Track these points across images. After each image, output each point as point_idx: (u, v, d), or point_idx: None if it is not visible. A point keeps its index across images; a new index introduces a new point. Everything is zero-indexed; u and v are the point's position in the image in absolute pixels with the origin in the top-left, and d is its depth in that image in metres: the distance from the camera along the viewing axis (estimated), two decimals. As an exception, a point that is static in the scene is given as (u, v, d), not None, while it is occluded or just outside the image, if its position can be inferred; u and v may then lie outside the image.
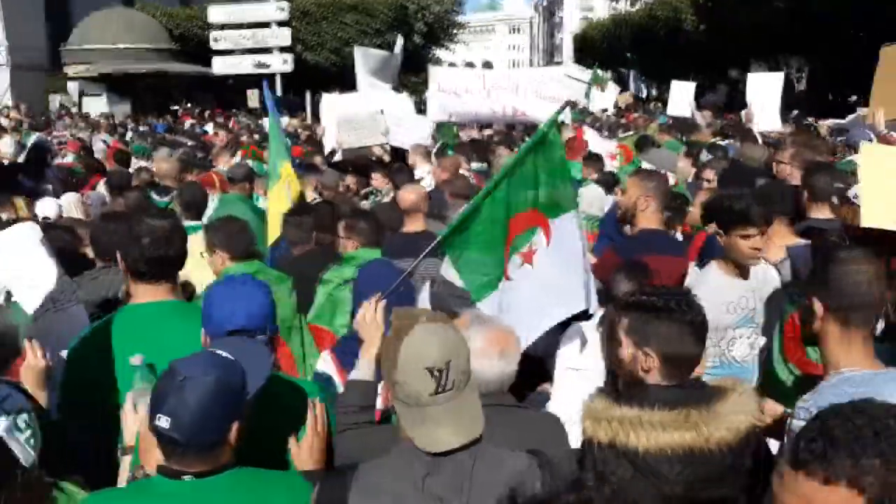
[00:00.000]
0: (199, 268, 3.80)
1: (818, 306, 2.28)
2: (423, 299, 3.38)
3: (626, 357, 2.33)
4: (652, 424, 2.11)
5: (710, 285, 3.39)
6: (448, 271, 3.15)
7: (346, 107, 10.17)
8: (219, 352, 1.99)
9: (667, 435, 2.10)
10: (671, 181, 6.48)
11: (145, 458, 2.07)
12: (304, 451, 2.30)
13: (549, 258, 3.14)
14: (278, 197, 5.56)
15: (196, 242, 3.57)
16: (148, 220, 2.69)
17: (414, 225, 4.95)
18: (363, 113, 9.73)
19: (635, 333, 2.31)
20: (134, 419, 2.23)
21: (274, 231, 5.20)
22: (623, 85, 35.64)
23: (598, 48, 47.12)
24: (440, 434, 1.86)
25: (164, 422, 1.83)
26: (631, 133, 9.63)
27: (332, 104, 10.91)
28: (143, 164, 9.68)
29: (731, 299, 3.47)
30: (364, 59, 13.75)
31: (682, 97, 14.65)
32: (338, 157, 9.58)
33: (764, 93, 12.12)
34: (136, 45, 30.66)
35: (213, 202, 6.45)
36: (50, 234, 3.45)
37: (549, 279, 3.12)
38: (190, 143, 13.54)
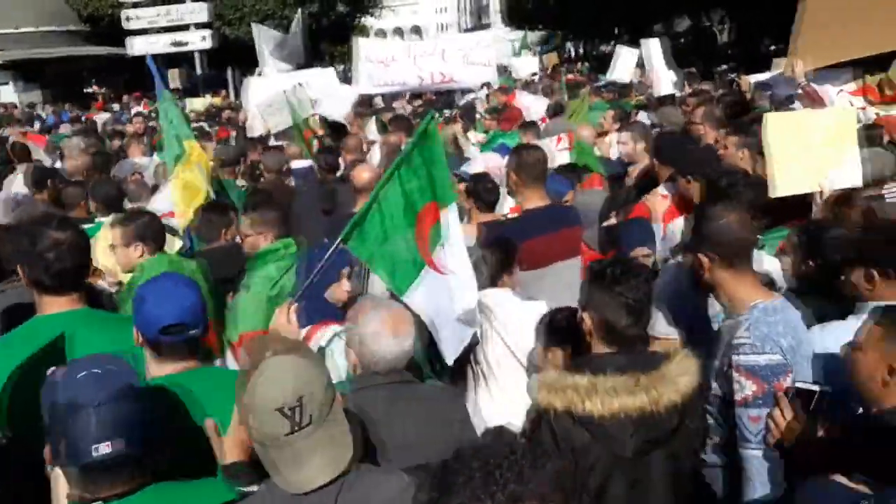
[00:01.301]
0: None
1: (703, 260, 2.58)
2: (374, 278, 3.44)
3: (580, 318, 2.48)
4: (605, 390, 2.21)
5: None
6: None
7: (266, 91, 9.79)
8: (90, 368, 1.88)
9: (619, 399, 2.20)
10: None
11: None
12: (226, 443, 2.20)
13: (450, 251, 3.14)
14: (188, 178, 5.22)
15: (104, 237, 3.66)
16: (51, 232, 2.63)
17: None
18: (283, 92, 9.35)
19: (584, 296, 2.47)
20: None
21: (185, 214, 5.01)
22: (551, 45, 35.63)
23: (525, 8, 46.85)
24: (304, 473, 1.79)
25: (108, 448, 1.75)
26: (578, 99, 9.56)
27: (255, 88, 10.49)
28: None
29: None
30: (263, 37, 13.38)
31: (625, 64, 14.46)
32: (273, 142, 9.25)
33: (654, 58, 12.07)
34: (42, 29, 29.07)
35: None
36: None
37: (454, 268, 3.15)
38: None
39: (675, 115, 6.58)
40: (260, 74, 13.12)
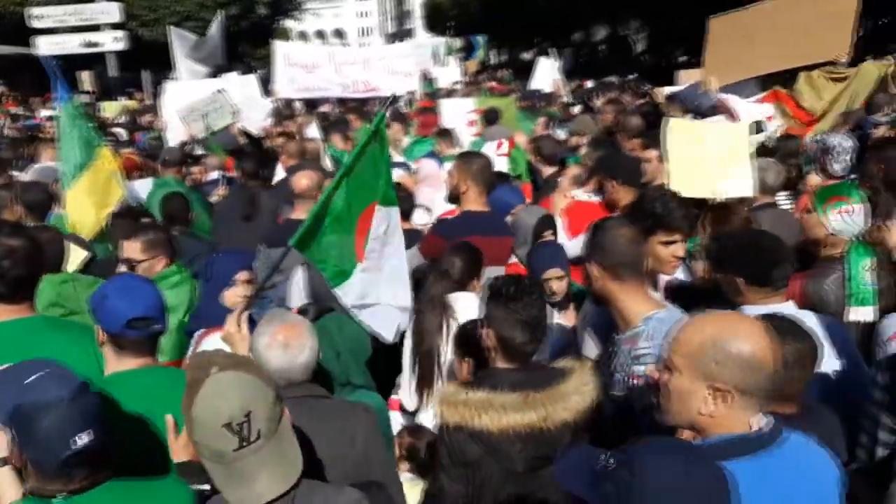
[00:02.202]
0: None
1: (594, 269, 2.63)
2: (298, 283, 3.59)
3: (480, 334, 2.52)
4: (495, 407, 2.27)
5: None
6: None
7: (186, 96, 9.54)
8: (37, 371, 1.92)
9: (508, 416, 2.25)
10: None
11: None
12: (180, 442, 2.25)
13: (381, 246, 3.27)
14: (94, 183, 5.06)
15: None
16: (3, 239, 2.64)
17: (304, 212, 4.69)
18: (204, 98, 9.21)
19: (482, 313, 2.51)
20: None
21: (88, 227, 4.86)
22: (475, 51, 35.96)
23: (447, 14, 47.22)
24: (254, 489, 1.77)
25: (85, 438, 1.81)
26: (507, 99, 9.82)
27: (173, 93, 10.20)
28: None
29: None
30: (180, 41, 13.10)
31: (545, 74, 14.97)
32: (199, 150, 9.05)
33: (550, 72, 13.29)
34: (-60, 25, 27.48)
35: (146, 185, 6.50)
36: None
37: (388, 265, 3.28)
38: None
39: (591, 123, 6.74)
40: (174, 79, 12.77)
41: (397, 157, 7.46)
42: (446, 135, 8.05)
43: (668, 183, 3.94)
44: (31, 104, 21.82)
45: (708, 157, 4.05)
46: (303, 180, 4.90)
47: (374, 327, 3.19)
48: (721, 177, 3.97)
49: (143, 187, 6.52)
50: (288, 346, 2.50)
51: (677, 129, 4.21)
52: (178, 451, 2.26)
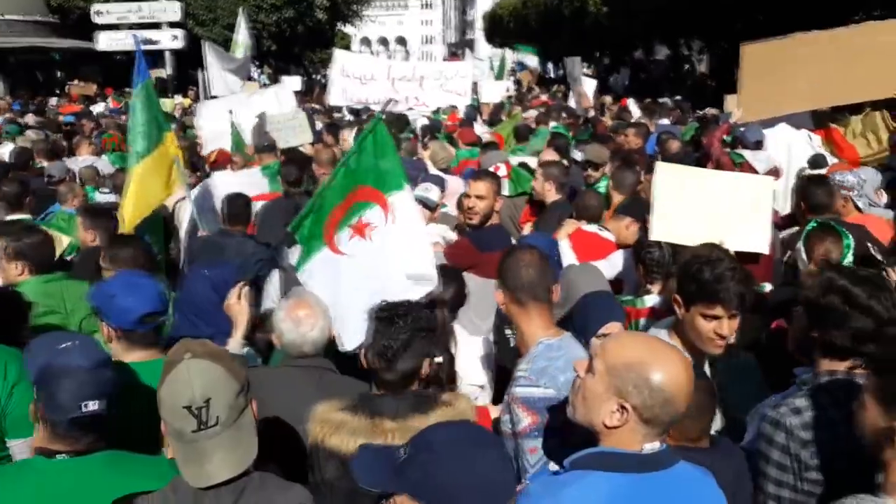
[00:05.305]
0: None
1: (499, 294, 2.70)
2: (274, 284, 3.78)
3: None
4: (348, 430, 2.37)
5: None
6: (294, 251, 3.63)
7: (216, 117, 9.49)
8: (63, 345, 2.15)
9: (355, 440, 2.32)
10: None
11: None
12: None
13: (392, 234, 3.37)
14: (158, 167, 5.05)
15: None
16: None
17: None
18: (286, 112, 9.47)
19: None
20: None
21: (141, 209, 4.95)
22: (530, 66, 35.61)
23: (506, 28, 46.91)
24: (206, 469, 1.90)
25: (95, 405, 2.06)
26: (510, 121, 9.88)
27: (207, 113, 10.09)
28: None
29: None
30: (214, 54, 13.39)
31: (587, 90, 14.77)
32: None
33: (578, 74, 13.46)
34: (8, 17, 28.26)
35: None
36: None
37: (392, 253, 3.36)
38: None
39: (602, 153, 6.44)
40: (210, 95, 13.00)
41: (433, 170, 7.59)
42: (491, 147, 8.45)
43: (650, 228, 3.89)
44: (95, 96, 22.22)
45: (713, 206, 3.92)
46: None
47: (336, 330, 3.19)
48: (732, 229, 3.72)
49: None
50: (300, 322, 2.83)
51: (666, 173, 4.13)
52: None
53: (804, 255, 3.72)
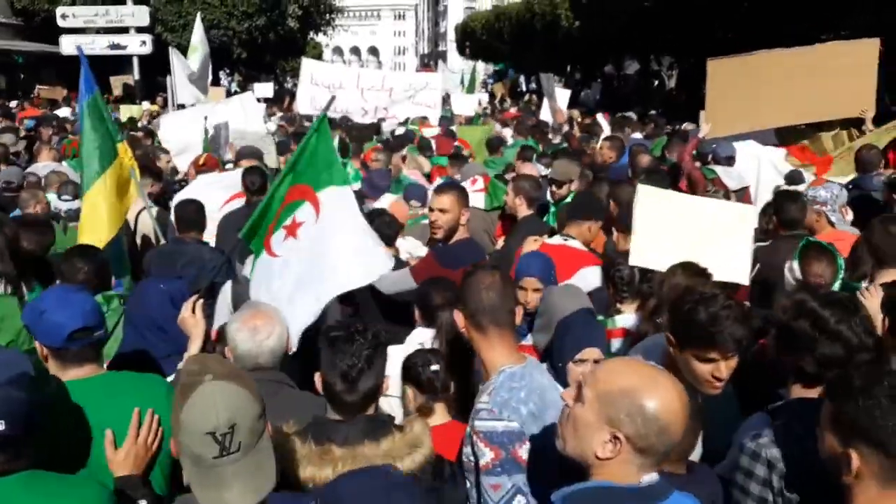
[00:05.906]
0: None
1: (458, 317, 2.54)
2: (226, 298, 3.61)
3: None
4: (301, 457, 2.25)
5: None
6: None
7: (179, 129, 9.47)
8: None
9: (305, 469, 2.23)
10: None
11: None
12: (119, 456, 2.36)
13: (321, 231, 3.27)
14: (115, 184, 4.87)
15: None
16: None
17: None
18: (256, 131, 9.44)
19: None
20: None
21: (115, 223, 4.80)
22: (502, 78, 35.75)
23: (478, 40, 47.08)
24: (225, 496, 1.80)
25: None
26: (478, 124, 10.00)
27: (168, 126, 9.95)
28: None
29: None
30: (180, 64, 13.27)
31: (560, 101, 14.84)
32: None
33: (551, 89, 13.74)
34: (-30, 20, 27.67)
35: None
36: None
37: (322, 250, 3.27)
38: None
39: (568, 169, 6.23)
40: (176, 105, 12.86)
41: (412, 178, 7.65)
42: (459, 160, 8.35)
43: (631, 252, 3.81)
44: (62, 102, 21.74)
45: (687, 233, 3.82)
46: None
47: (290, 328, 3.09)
48: (713, 257, 3.57)
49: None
50: (257, 330, 2.73)
51: (650, 198, 4.02)
52: (118, 464, 2.35)
53: (798, 273, 3.70)
